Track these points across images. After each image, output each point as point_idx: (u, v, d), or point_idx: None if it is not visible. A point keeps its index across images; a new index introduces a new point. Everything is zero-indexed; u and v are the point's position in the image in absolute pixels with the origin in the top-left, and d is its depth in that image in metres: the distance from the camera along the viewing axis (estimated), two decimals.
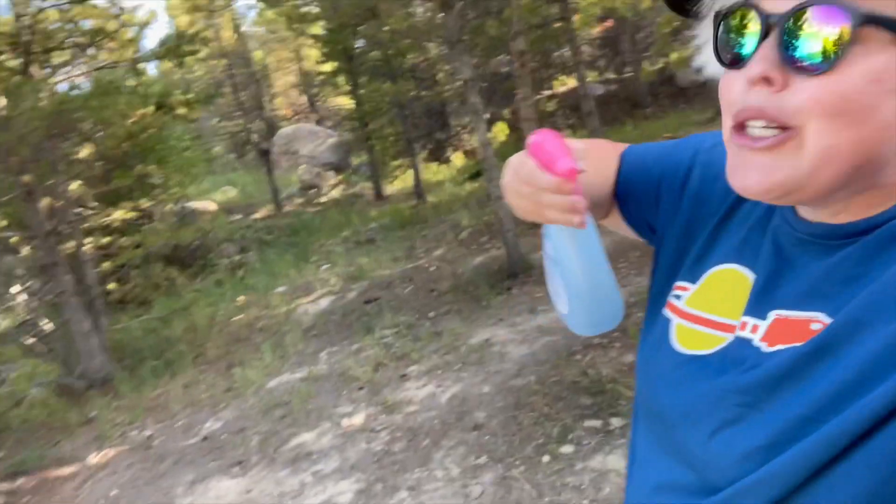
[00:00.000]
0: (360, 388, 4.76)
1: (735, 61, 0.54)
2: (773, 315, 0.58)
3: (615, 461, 3.01)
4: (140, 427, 5.22)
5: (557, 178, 0.59)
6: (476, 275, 6.53)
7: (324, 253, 9.87)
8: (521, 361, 4.35)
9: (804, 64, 0.49)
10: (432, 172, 14.59)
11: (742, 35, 0.53)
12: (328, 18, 10.10)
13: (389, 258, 8.25)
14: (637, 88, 14.47)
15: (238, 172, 19.41)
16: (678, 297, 0.70)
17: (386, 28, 9.40)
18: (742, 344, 0.59)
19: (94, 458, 4.78)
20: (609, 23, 14.77)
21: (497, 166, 6.18)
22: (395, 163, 15.35)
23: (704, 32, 0.62)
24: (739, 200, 0.69)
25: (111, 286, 8.14)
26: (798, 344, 0.52)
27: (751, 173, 0.54)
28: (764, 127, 0.52)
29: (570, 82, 14.96)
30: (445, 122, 16.64)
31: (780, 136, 0.51)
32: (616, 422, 3.32)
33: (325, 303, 7.21)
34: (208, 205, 13.50)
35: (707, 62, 0.62)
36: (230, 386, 5.54)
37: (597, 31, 15.32)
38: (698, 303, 0.67)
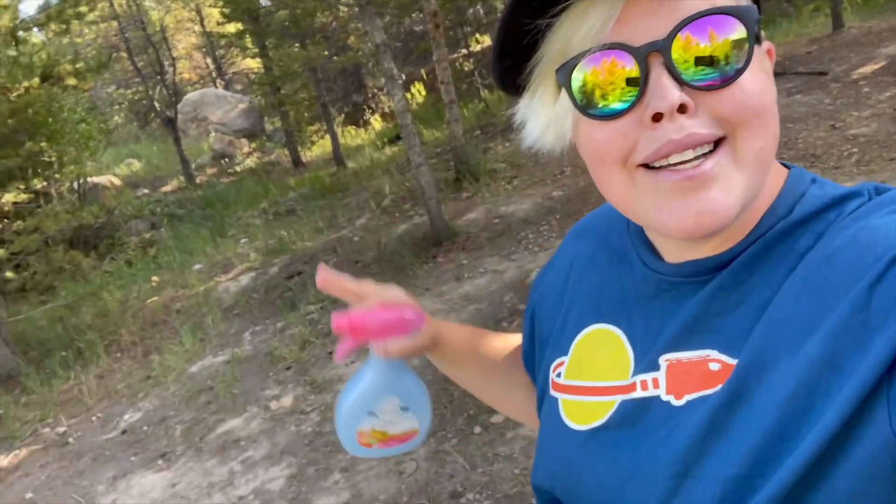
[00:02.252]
0: (288, 369, 4.66)
1: (612, 110, 0.50)
2: (663, 362, 0.56)
3: None
4: (53, 423, 4.93)
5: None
6: (400, 244, 6.47)
7: (242, 226, 9.52)
8: None
9: (714, 79, 0.47)
10: (351, 137, 14.24)
11: (614, 78, 0.49)
12: None
13: (311, 229, 8.04)
14: None
15: (142, 143, 18.28)
16: (559, 374, 0.68)
17: None
18: (648, 403, 0.56)
19: (3, 460, 4.49)
20: None
21: (416, 131, 6.07)
22: (312, 128, 14.88)
23: (531, 103, 0.58)
24: (572, 266, 0.72)
25: (9, 274, 7.52)
26: (708, 391, 0.51)
27: (705, 204, 0.48)
28: (693, 156, 0.49)
29: (486, 41, 14.85)
30: (361, 83, 16.22)
31: (716, 150, 0.49)
32: None
33: (245, 279, 6.97)
34: (111, 180, 12.69)
35: (543, 133, 0.58)
36: (148, 374, 5.31)
37: None
38: (576, 373, 0.65)
